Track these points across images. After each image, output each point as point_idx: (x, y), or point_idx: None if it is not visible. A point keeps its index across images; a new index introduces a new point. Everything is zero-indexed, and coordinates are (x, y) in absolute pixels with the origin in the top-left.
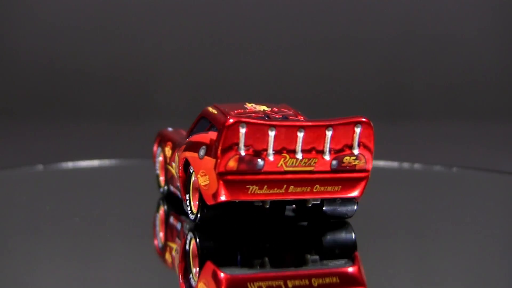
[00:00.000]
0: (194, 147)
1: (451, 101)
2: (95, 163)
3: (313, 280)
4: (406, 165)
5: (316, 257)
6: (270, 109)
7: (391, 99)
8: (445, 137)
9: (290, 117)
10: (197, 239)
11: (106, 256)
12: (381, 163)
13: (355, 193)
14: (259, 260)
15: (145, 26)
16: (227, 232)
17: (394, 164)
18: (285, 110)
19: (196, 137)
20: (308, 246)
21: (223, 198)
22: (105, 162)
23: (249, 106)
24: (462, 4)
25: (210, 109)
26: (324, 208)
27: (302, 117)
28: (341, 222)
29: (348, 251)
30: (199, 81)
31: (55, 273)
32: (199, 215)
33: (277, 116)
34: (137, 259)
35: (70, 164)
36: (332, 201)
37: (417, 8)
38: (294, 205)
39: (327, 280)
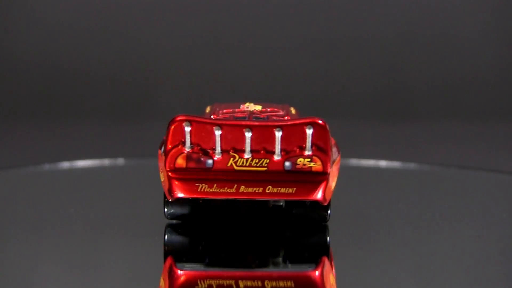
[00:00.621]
0: (161, 144)
1: (451, 101)
2: (95, 163)
3: (266, 282)
4: (405, 165)
5: (280, 259)
6: (263, 109)
7: (391, 99)
8: (445, 137)
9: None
10: (168, 235)
11: (104, 256)
12: (381, 163)
13: (312, 196)
14: (221, 258)
15: (146, 26)
16: (201, 228)
17: (394, 164)
18: (277, 110)
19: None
20: (277, 247)
21: (175, 195)
22: (105, 162)
23: (245, 105)
24: (462, 4)
25: (208, 107)
26: (293, 211)
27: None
28: (323, 225)
29: (317, 255)
30: (200, 81)
31: (55, 274)
32: (165, 210)
33: (260, 117)
34: (135, 259)
35: (70, 164)
36: (301, 204)
37: (417, 8)
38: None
39: (281, 283)
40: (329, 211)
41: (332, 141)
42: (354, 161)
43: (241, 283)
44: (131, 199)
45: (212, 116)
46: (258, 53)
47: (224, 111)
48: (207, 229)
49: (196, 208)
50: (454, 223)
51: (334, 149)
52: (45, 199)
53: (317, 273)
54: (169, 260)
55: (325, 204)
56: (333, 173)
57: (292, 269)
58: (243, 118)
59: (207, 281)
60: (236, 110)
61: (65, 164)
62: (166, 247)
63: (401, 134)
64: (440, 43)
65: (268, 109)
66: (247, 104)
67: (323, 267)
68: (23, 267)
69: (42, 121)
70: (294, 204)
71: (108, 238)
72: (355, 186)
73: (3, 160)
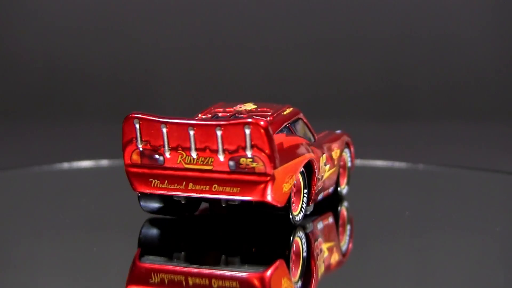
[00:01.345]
0: None
1: (451, 101)
2: (95, 163)
3: (213, 281)
4: (406, 165)
5: (237, 258)
6: (253, 109)
7: (391, 99)
8: (445, 137)
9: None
10: (144, 229)
11: (101, 256)
12: (380, 163)
13: (257, 197)
14: (181, 254)
15: (146, 26)
16: (177, 224)
17: (394, 164)
18: (267, 111)
19: None
20: (239, 246)
21: (135, 189)
22: (105, 162)
23: (240, 105)
24: (462, 4)
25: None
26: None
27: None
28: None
29: (275, 256)
30: (200, 81)
31: (54, 274)
32: (140, 204)
33: (244, 117)
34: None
35: (70, 165)
36: (262, 204)
37: (417, 8)
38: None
39: (227, 283)
40: (300, 213)
41: (335, 138)
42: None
43: (190, 280)
44: (130, 199)
45: (199, 115)
46: (258, 53)
47: (214, 110)
48: (183, 225)
49: (170, 202)
50: (454, 223)
51: (303, 148)
52: (45, 200)
53: (267, 274)
54: (137, 253)
55: (279, 205)
56: (285, 173)
57: (242, 270)
58: (214, 117)
59: (160, 275)
60: (226, 109)
61: (65, 165)
62: (140, 240)
63: (401, 134)
64: (440, 43)
65: (258, 109)
66: (246, 104)
67: (275, 269)
68: (22, 268)
69: (41, 121)
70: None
71: (104, 235)
72: (355, 186)
73: (3, 160)
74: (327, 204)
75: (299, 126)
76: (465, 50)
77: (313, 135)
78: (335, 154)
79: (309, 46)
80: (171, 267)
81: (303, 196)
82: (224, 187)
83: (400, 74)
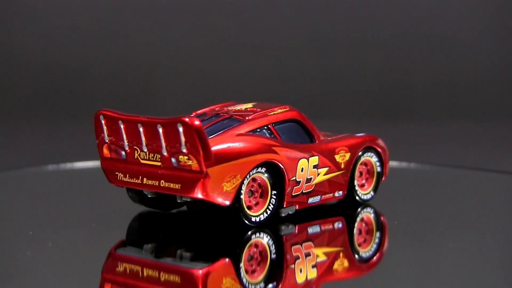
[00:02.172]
0: None
1: (451, 101)
2: (94, 163)
3: (161, 273)
4: (405, 164)
5: (189, 254)
6: (245, 108)
7: (391, 99)
8: (445, 137)
9: (237, 116)
10: (132, 223)
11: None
12: None
13: (193, 194)
14: (148, 246)
15: (146, 26)
16: (159, 219)
17: (394, 164)
18: (253, 110)
19: None
20: (199, 243)
21: (109, 181)
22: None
23: (239, 104)
24: (462, 4)
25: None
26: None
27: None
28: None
29: (228, 254)
30: (200, 81)
31: (54, 274)
32: (129, 194)
33: (225, 115)
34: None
35: (70, 165)
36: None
37: (417, 8)
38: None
39: (171, 277)
40: (264, 214)
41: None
42: None
43: (145, 271)
44: (129, 198)
45: (198, 111)
46: (258, 53)
47: (211, 108)
48: (164, 220)
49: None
50: (454, 223)
51: (261, 149)
52: (45, 200)
53: (200, 272)
54: (116, 244)
55: (223, 205)
56: (225, 172)
57: (188, 265)
58: (202, 115)
59: (124, 264)
60: (224, 108)
61: (65, 165)
62: (128, 231)
63: (401, 134)
64: (440, 43)
65: (248, 109)
66: (247, 103)
67: (219, 267)
68: (21, 268)
69: (42, 121)
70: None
71: (103, 235)
72: None
73: (3, 160)
74: (335, 209)
75: (290, 128)
76: (465, 50)
77: (313, 137)
78: (341, 157)
79: (309, 46)
80: (133, 258)
81: (271, 197)
82: (169, 183)
83: (400, 73)
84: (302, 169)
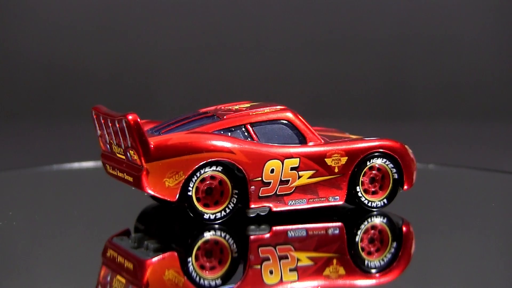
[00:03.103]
0: None
1: (451, 101)
2: (94, 163)
3: (119, 257)
4: None
5: (155, 246)
6: (238, 107)
7: (391, 99)
8: (445, 137)
9: (219, 115)
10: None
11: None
12: None
13: (144, 188)
14: (134, 235)
15: (146, 26)
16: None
17: None
18: (240, 109)
19: None
20: (170, 235)
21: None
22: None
23: (240, 104)
24: (462, 4)
25: None
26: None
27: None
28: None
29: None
30: (200, 81)
31: (54, 273)
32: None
33: (208, 114)
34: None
35: (70, 165)
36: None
37: (417, 8)
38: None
39: (126, 263)
40: (222, 212)
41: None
42: None
43: (112, 253)
44: (130, 200)
45: (206, 108)
46: (258, 54)
47: (217, 106)
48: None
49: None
50: (453, 223)
51: (215, 146)
52: (44, 200)
53: (148, 261)
54: (115, 234)
55: (169, 200)
56: (167, 168)
57: (142, 255)
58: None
59: (110, 251)
60: (223, 107)
61: (65, 165)
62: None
63: (401, 134)
64: (440, 43)
65: (239, 108)
66: (245, 103)
67: (164, 258)
68: (21, 268)
69: (42, 121)
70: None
71: (102, 235)
72: None
73: (3, 160)
74: (341, 214)
75: (277, 129)
76: (465, 50)
77: (304, 139)
78: (335, 161)
79: (309, 46)
80: (117, 246)
81: (232, 196)
82: (128, 177)
83: (400, 74)
84: (273, 170)
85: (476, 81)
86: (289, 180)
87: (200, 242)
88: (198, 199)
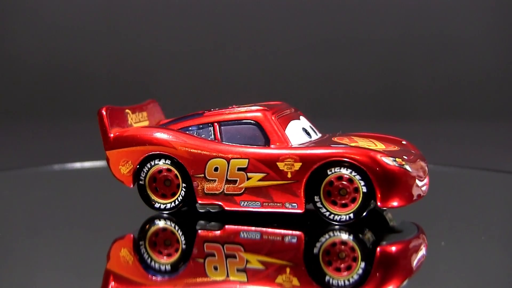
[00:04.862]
0: None
1: (451, 101)
2: (94, 163)
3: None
4: None
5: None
6: (238, 106)
7: (391, 99)
8: (445, 137)
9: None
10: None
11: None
12: None
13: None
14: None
15: (146, 26)
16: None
17: None
18: (229, 108)
19: None
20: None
21: None
22: (104, 163)
23: (267, 102)
24: (462, 4)
25: None
26: None
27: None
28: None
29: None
30: (200, 81)
31: (53, 273)
32: None
33: (203, 112)
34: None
35: (70, 165)
36: None
37: (417, 8)
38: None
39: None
40: (172, 204)
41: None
42: None
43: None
44: (130, 200)
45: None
46: (258, 55)
47: (235, 106)
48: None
49: None
50: (453, 223)
51: (159, 140)
52: (44, 200)
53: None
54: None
55: (127, 186)
56: (119, 157)
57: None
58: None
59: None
60: (234, 106)
61: (65, 165)
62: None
63: (401, 134)
64: (440, 44)
65: (234, 107)
66: (246, 105)
67: (124, 239)
68: (20, 268)
69: (42, 121)
70: None
71: (102, 235)
72: None
73: (3, 160)
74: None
75: (245, 129)
76: (466, 50)
77: (267, 140)
78: (287, 166)
79: (308, 47)
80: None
81: (181, 189)
82: None
83: (400, 74)
84: (217, 168)
85: (476, 81)
86: (236, 180)
87: (153, 229)
88: (156, 189)
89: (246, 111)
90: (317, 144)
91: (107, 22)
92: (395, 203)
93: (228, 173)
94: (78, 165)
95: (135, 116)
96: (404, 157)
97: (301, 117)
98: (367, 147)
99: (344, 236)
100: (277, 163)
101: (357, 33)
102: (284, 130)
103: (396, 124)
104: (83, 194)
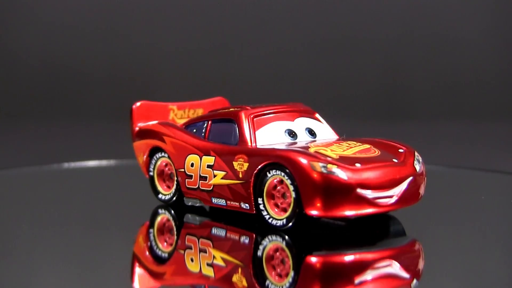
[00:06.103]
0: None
1: (451, 101)
2: (94, 163)
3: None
4: None
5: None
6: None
7: (391, 99)
8: (445, 137)
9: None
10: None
11: (102, 256)
12: None
13: None
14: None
15: (145, 26)
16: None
17: None
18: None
19: None
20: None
21: None
22: (104, 163)
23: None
24: (462, 4)
25: None
26: None
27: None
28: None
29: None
30: (199, 81)
31: (53, 273)
32: None
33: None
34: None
35: (70, 165)
36: None
37: (417, 8)
38: None
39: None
40: (169, 195)
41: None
42: None
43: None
44: (130, 200)
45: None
46: (259, 55)
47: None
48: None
49: None
50: (453, 223)
51: (158, 137)
52: (45, 200)
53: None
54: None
55: (146, 176)
56: (138, 148)
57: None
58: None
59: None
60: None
61: (65, 165)
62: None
63: (401, 134)
64: (440, 44)
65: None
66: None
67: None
68: (20, 268)
69: (41, 121)
70: None
71: (104, 235)
72: None
73: (3, 160)
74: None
75: (226, 127)
76: (465, 50)
77: (239, 139)
78: (239, 165)
79: (308, 47)
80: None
81: (175, 182)
82: None
83: (400, 74)
84: (192, 164)
85: (476, 81)
86: (206, 177)
87: (158, 219)
88: (164, 181)
89: (231, 111)
90: (289, 147)
91: (107, 22)
92: (314, 212)
93: (201, 169)
94: (78, 164)
95: (181, 112)
96: (357, 164)
97: (308, 119)
98: (324, 151)
99: (279, 239)
100: (233, 162)
101: (357, 33)
102: (257, 130)
103: (396, 124)
104: (83, 194)
